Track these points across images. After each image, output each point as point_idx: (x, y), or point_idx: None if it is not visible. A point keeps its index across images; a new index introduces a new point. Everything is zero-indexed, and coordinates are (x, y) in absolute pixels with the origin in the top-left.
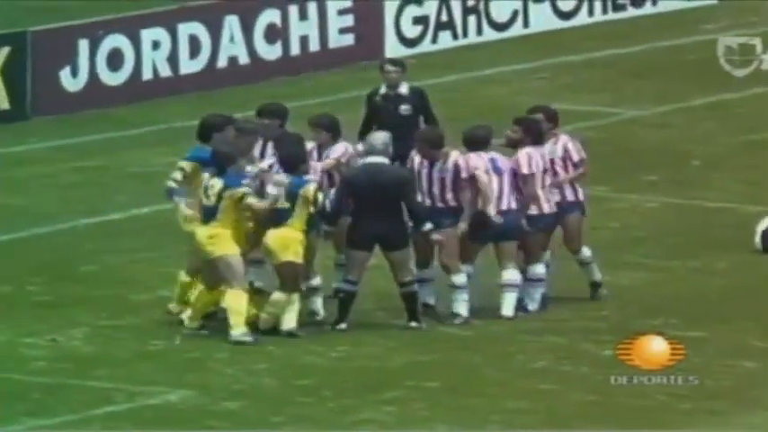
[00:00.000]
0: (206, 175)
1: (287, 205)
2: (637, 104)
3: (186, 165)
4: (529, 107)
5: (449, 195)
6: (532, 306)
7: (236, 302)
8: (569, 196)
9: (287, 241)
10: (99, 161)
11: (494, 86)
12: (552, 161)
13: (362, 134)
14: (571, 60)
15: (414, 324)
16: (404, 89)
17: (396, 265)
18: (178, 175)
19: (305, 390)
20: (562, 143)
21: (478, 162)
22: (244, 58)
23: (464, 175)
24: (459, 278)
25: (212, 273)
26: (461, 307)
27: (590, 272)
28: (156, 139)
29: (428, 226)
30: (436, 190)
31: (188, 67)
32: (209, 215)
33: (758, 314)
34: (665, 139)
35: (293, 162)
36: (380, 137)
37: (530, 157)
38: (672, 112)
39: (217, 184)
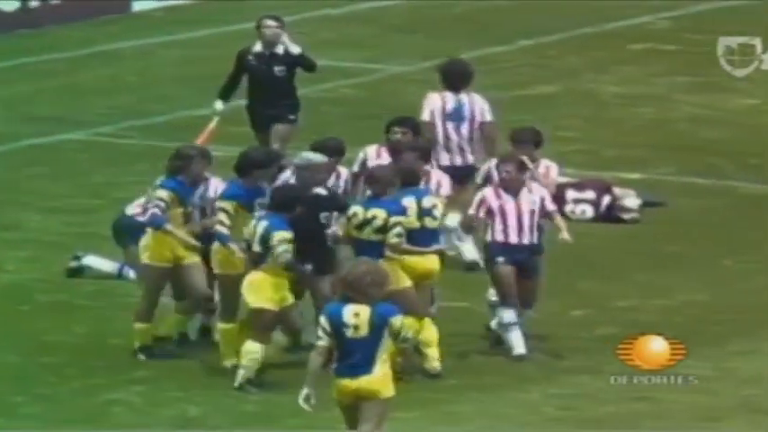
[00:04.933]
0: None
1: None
2: (402, 60)
3: (227, 204)
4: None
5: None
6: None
7: None
8: None
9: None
10: None
11: (250, 42)
12: None
13: (225, 93)
14: (331, 14)
15: None
16: (280, 49)
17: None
18: (225, 218)
19: (49, 368)
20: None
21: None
22: None
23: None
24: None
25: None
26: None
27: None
28: None
29: None
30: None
31: None
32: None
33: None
34: None
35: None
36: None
37: None
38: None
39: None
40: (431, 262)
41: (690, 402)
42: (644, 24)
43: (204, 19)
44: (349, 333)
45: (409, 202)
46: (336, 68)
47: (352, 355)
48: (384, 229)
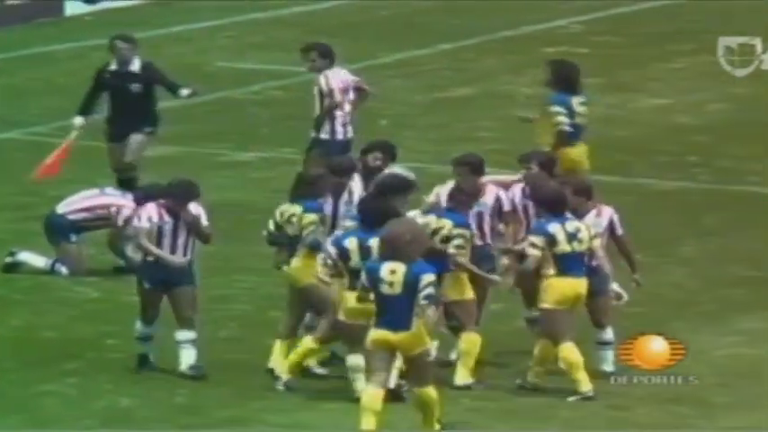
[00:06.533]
0: None
1: None
2: None
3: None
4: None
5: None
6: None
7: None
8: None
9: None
10: None
11: (180, 45)
12: None
13: (84, 108)
14: (259, 18)
15: None
16: (135, 66)
17: None
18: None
19: None
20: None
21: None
22: None
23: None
24: None
25: None
26: None
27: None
28: None
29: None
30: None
31: None
32: None
33: None
34: None
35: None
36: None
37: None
38: (360, 70)
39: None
40: (582, 287)
41: (601, 392)
42: (558, 28)
43: (134, 22)
44: (385, 289)
45: (555, 228)
46: (264, 71)
47: (388, 310)
48: (448, 239)
